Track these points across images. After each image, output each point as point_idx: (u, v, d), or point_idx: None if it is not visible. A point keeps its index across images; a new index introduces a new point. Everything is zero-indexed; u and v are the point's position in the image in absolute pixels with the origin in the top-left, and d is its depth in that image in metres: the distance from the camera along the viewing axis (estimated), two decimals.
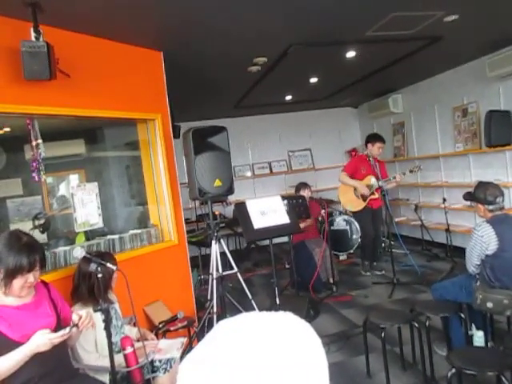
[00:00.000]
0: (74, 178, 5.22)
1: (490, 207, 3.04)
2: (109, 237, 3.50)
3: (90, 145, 4.79)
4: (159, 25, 3.31)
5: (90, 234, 3.48)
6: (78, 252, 2.31)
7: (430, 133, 6.71)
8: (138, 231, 3.73)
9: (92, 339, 2.50)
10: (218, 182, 3.61)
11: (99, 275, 2.32)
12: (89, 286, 2.58)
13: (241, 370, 0.53)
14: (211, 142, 3.69)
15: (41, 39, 2.64)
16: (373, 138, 5.69)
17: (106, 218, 3.56)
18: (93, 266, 2.30)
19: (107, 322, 2.24)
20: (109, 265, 2.36)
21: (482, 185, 3.19)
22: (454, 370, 2.28)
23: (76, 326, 2.06)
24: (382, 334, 2.90)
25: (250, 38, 3.78)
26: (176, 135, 5.02)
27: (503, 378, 2.16)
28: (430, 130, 6.70)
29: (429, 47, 4.64)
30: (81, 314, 2.10)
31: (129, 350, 2.42)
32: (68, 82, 2.98)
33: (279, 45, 4.10)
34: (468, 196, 3.26)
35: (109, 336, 2.24)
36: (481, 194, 3.08)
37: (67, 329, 2.01)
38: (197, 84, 5.21)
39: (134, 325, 3.05)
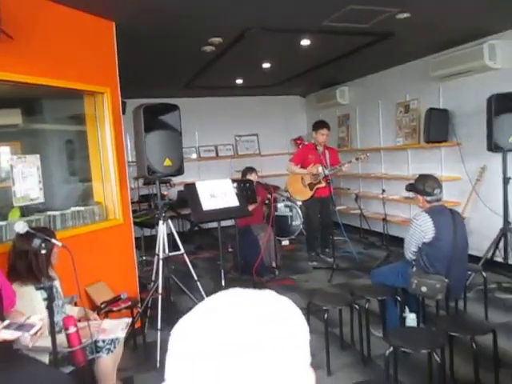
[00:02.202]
0: (5, 151, 4.86)
1: (429, 198, 3.25)
2: (49, 213, 3.33)
3: (29, 116, 4.47)
4: None
5: (25, 210, 3.28)
6: (21, 226, 2.17)
7: (373, 126, 6.99)
8: (81, 208, 3.58)
9: None
10: (168, 162, 3.54)
11: (43, 251, 2.21)
12: (26, 264, 2.46)
13: (229, 341, 0.53)
14: (163, 120, 3.59)
15: None
16: (316, 126, 5.78)
17: (45, 193, 3.37)
18: (36, 242, 2.18)
19: (50, 301, 2.15)
20: (54, 241, 2.25)
21: (422, 177, 3.41)
22: (391, 349, 2.43)
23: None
24: (325, 316, 3.02)
25: (207, 17, 3.69)
26: (122, 111, 4.83)
27: (435, 355, 2.33)
28: (374, 123, 6.97)
29: (379, 43, 4.80)
30: (35, 321, 1.97)
31: (72, 329, 2.33)
32: (10, 44, 2.75)
33: (236, 27, 4.05)
34: (409, 187, 3.47)
35: (51, 315, 2.15)
36: (421, 185, 3.29)
37: (15, 334, 1.88)
38: (147, 59, 5.04)
39: (76, 304, 2.95)
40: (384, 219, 6.30)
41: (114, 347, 2.60)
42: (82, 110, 3.75)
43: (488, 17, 4.20)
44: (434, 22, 4.21)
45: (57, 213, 3.36)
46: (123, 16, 3.55)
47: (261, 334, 0.54)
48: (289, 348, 0.56)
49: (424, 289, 3.01)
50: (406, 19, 3.96)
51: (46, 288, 2.14)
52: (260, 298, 0.61)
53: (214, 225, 6.29)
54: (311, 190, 5.70)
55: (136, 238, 4.64)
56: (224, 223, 5.45)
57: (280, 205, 7.05)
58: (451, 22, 4.25)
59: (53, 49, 3.16)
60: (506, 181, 4.58)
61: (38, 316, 2.01)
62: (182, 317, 0.59)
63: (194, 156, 8.35)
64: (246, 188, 4.86)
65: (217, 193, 3.79)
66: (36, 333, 1.92)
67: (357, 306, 3.16)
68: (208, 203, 3.70)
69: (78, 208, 3.58)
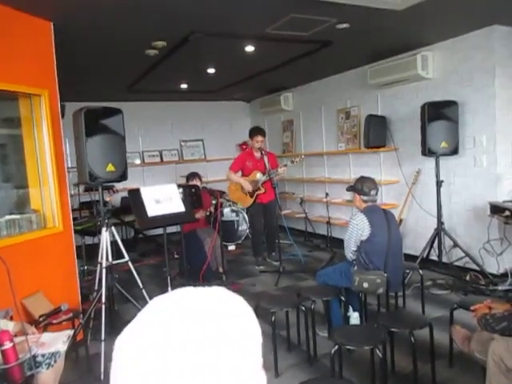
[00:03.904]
0: None
1: (365, 198, 3.43)
2: None
3: None
4: None
5: None
6: None
7: (317, 131, 7.19)
8: (17, 216, 3.39)
9: None
10: (110, 167, 3.44)
11: None
12: None
13: (180, 343, 0.52)
14: (105, 124, 3.49)
15: None
16: (251, 132, 5.77)
17: None
18: None
19: None
20: None
21: (361, 178, 3.60)
22: (336, 347, 2.50)
23: None
24: (273, 318, 3.06)
25: (151, 19, 3.64)
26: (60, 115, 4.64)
27: (377, 351, 2.44)
28: (317, 128, 7.17)
29: (320, 51, 4.97)
30: None
31: (7, 345, 2.20)
32: None
33: (180, 30, 4.03)
34: (349, 187, 3.64)
35: None
36: (359, 185, 3.47)
37: None
38: (88, 61, 4.88)
39: (11, 318, 2.78)
40: (328, 222, 6.50)
41: (55, 361, 2.47)
42: (16, 112, 3.56)
43: (422, 29, 4.48)
44: (372, 33, 4.42)
45: None
46: (61, 15, 3.42)
47: (211, 335, 0.53)
48: (240, 349, 0.55)
49: (366, 285, 3.14)
50: (345, 29, 4.12)
51: None
52: (210, 297, 0.60)
53: (158, 231, 6.19)
54: (251, 197, 5.73)
55: (77, 247, 4.47)
56: (168, 229, 5.39)
57: (226, 210, 7.05)
58: (388, 33, 4.48)
59: None
60: (438, 184, 4.88)
61: None
62: (127, 325, 0.57)
63: (138, 161, 8.17)
64: (192, 193, 4.83)
65: (162, 198, 3.74)
66: None
67: (303, 308, 3.23)
68: (153, 209, 3.64)
69: (13, 216, 3.40)
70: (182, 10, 3.50)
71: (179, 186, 4.16)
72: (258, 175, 5.65)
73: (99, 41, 4.13)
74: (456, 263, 4.95)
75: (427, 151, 4.77)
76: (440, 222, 4.90)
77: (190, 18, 3.69)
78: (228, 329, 0.55)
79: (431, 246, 5.01)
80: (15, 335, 2.56)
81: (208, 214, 5.75)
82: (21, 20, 3.27)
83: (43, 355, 2.44)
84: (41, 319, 3.03)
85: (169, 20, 3.69)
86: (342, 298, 3.40)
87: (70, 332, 2.71)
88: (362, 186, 3.42)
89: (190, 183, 5.48)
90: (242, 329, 0.57)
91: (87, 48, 4.32)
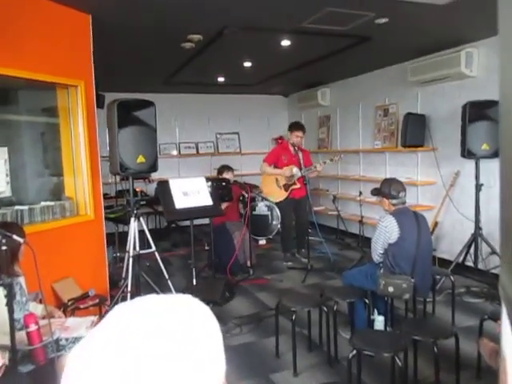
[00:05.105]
0: None
1: (394, 201, 3.32)
2: (17, 207, 3.26)
3: None
4: None
5: None
6: None
7: (353, 128, 7.03)
8: (51, 203, 3.52)
9: None
10: (141, 159, 3.50)
11: (3, 247, 2.15)
12: None
13: (135, 355, 0.51)
14: (137, 116, 3.56)
15: None
16: (291, 127, 5.75)
17: (14, 187, 3.31)
18: None
19: (10, 298, 2.10)
20: (15, 237, 2.19)
21: (387, 181, 3.48)
22: (354, 352, 2.45)
23: None
24: (293, 317, 3.03)
25: (187, 12, 3.65)
26: (99, 105, 4.76)
27: (397, 359, 2.36)
28: (353, 125, 7.02)
29: (358, 46, 4.83)
30: None
31: (32, 327, 2.28)
32: None
33: (215, 24, 4.02)
34: (375, 191, 3.53)
35: (11, 312, 2.10)
36: (386, 188, 3.36)
37: None
38: (126, 53, 4.97)
39: (40, 301, 2.89)
40: (360, 221, 6.35)
41: None
42: (54, 102, 3.68)
43: (466, 25, 4.26)
44: (413, 29, 4.26)
45: (25, 207, 3.29)
46: (100, 9, 3.49)
47: (166, 347, 0.51)
48: (197, 364, 0.52)
49: (391, 289, 3.05)
50: (384, 24, 3.99)
51: (5, 285, 2.09)
52: (172, 306, 0.58)
53: None
54: (286, 191, 5.70)
55: (110, 234, 4.59)
56: (201, 221, 5.44)
57: (260, 204, 7.04)
58: (429, 28, 4.29)
59: (25, 40, 3.09)
60: (478, 187, 4.65)
61: None
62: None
63: (175, 152, 8.29)
64: (222, 187, 4.84)
65: (190, 191, 3.77)
66: None
67: (325, 308, 3.18)
68: (181, 201, 3.68)
69: (47, 203, 3.52)
70: (218, 4, 3.49)
71: (210, 179, 4.18)
72: (295, 170, 5.59)
73: (136, 33, 4.19)
74: (493, 271, 4.72)
75: (466, 153, 4.56)
76: (478, 227, 4.68)
77: (225, 11, 3.67)
78: (186, 341, 0.53)
79: (467, 252, 4.80)
80: (43, 318, 2.66)
81: (241, 198, 5.74)
82: (60, 13, 3.36)
83: (67, 339, 2.52)
84: (69, 303, 3.13)
85: (204, 14, 3.69)
86: (367, 301, 3.32)
87: (94, 318, 2.78)
88: (389, 190, 3.31)
89: (222, 176, 5.51)
90: (201, 343, 0.55)
91: (125, 40, 4.39)
